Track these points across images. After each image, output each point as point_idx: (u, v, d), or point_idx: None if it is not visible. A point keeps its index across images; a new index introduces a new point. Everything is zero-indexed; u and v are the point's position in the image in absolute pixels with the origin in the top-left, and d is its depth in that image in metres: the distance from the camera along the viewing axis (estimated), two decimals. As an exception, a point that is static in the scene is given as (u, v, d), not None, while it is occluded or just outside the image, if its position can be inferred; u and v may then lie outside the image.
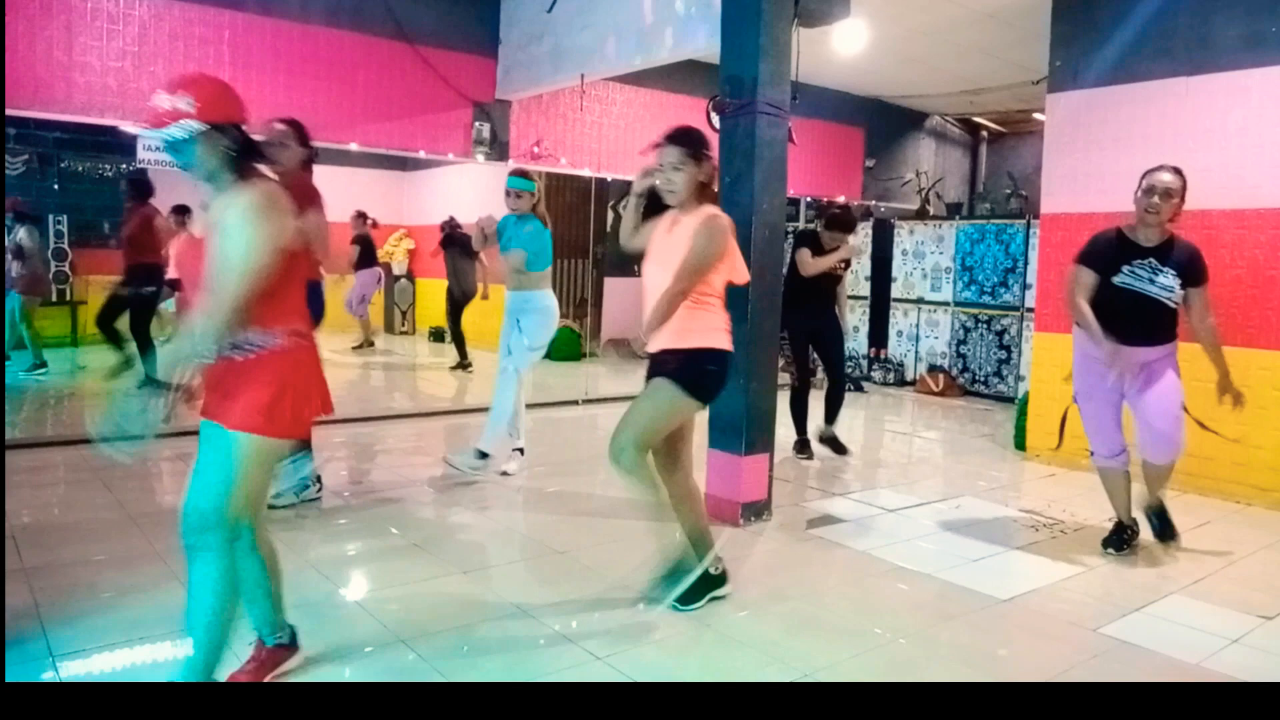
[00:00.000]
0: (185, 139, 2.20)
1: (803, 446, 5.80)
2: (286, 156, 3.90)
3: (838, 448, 5.87)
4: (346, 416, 6.47)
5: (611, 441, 3.07)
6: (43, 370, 7.56)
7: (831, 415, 5.88)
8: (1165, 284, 3.75)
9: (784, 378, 5.16)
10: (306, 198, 3.65)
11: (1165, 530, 4.08)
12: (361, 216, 9.87)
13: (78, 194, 9.91)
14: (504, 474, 5.02)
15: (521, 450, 5.15)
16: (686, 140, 3.12)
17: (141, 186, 7.02)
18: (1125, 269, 3.78)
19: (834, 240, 5.68)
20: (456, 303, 9.02)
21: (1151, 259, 3.77)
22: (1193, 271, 3.81)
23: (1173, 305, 3.79)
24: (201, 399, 2.29)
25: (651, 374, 3.17)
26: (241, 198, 2.20)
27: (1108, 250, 3.82)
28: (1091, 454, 4.08)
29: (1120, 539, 4.02)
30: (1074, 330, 4.01)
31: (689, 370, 3.11)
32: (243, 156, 2.30)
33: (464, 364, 8.99)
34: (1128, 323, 3.77)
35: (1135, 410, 3.94)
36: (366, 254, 9.90)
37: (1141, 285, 3.76)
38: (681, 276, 3.04)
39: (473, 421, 6.58)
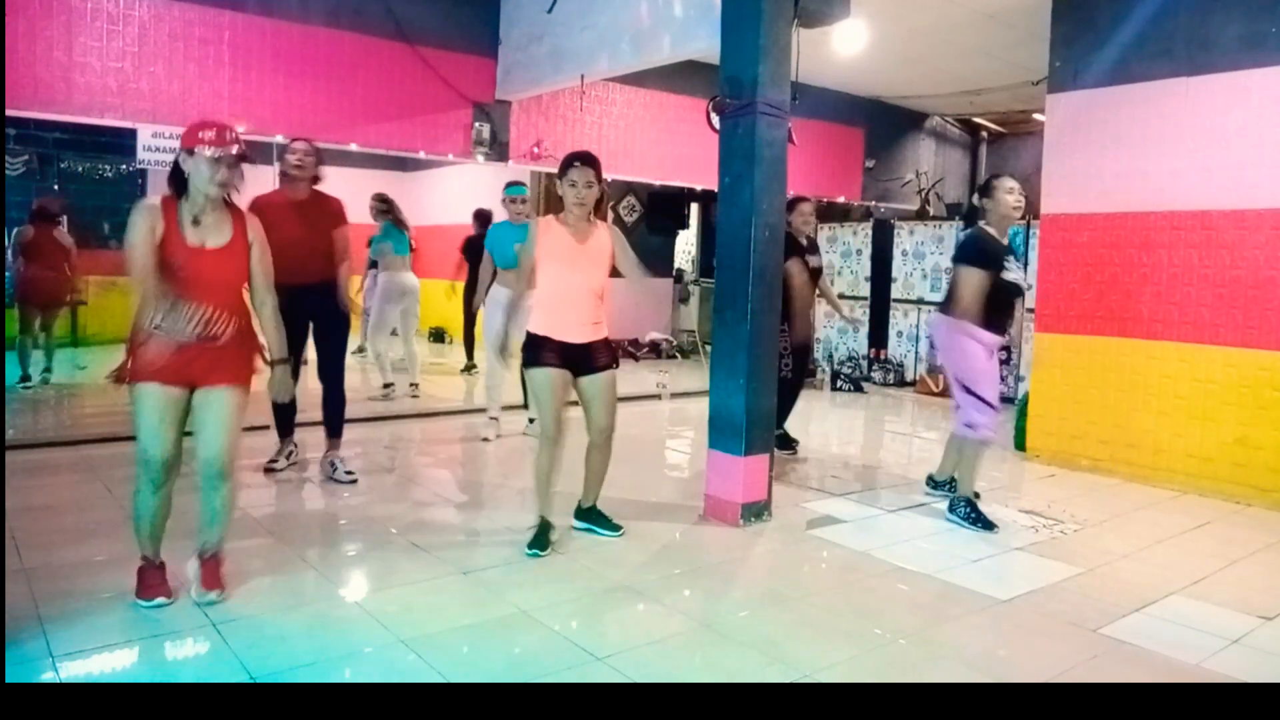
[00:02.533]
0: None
1: (785, 441, 5.74)
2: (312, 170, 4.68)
3: (788, 444, 5.80)
4: (346, 417, 6.46)
5: (608, 429, 3.89)
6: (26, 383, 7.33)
7: (785, 413, 5.78)
8: (1021, 271, 4.39)
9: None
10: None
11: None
12: None
13: (78, 194, 9.91)
14: (485, 440, 5.89)
15: (496, 419, 6.02)
16: (597, 163, 3.79)
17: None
18: (1005, 263, 4.28)
19: (805, 222, 5.71)
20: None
21: (1010, 254, 4.37)
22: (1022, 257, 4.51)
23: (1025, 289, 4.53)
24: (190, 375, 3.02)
25: (586, 362, 3.78)
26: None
27: (998, 249, 4.31)
28: (972, 427, 4.37)
29: (983, 516, 4.37)
30: (958, 324, 4.31)
31: (616, 357, 3.92)
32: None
33: (473, 366, 9.06)
34: (1009, 312, 4.42)
35: None
36: None
37: (1017, 276, 4.33)
38: (636, 274, 3.98)
39: (480, 420, 6.58)
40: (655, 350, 10.93)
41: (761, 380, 4.28)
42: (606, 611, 3.20)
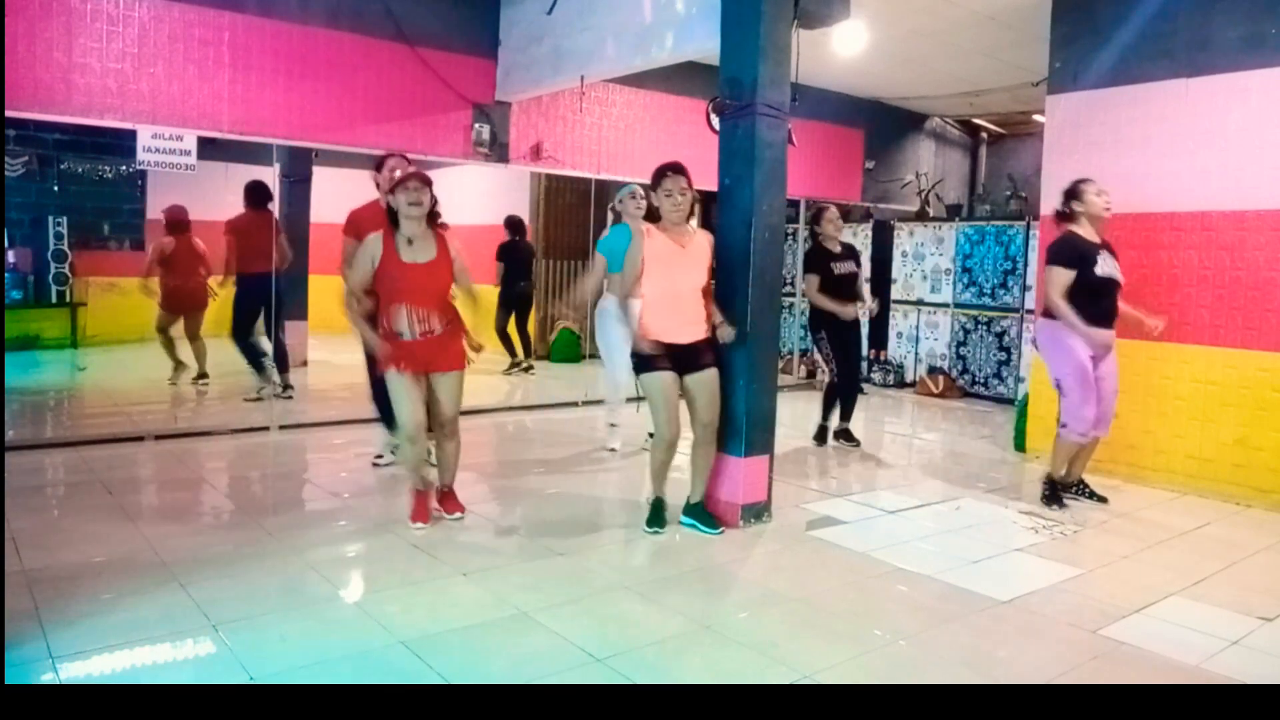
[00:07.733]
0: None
1: (822, 437, 6.19)
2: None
3: (851, 440, 6.21)
4: (347, 418, 6.47)
5: (713, 424, 4.10)
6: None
7: (848, 413, 6.23)
8: (1117, 266, 4.65)
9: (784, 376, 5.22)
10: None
11: (1096, 496, 4.88)
12: None
13: (77, 195, 9.91)
14: (612, 450, 5.79)
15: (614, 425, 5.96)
16: (686, 171, 4.01)
17: (262, 193, 7.14)
18: (1098, 259, 4.55)
19: (837, 229, 6.13)
20: (509, 307, 9.12)
21: (1104, 250, 4.62)
22: (1115, 254, 4.74)
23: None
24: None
25: (693, 361, 4.00)
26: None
27: (1082, 247, 4.58)
28: (1064, 425, 4.69)
29: (1058, 496, 4.76)
30: (1047, 323, 4.69)
31: (718, 355, 4.10)
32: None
33: (518, 363, 9.13)
34: (1109, 307, 4.61)
35: (1099, 389, 4.69)
36: None
37: (1111, 272, 4.58)
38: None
39: (483, 422, 6.57)
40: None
41: (761, 381, 4.27)
42: (606, 612, 3.20)
